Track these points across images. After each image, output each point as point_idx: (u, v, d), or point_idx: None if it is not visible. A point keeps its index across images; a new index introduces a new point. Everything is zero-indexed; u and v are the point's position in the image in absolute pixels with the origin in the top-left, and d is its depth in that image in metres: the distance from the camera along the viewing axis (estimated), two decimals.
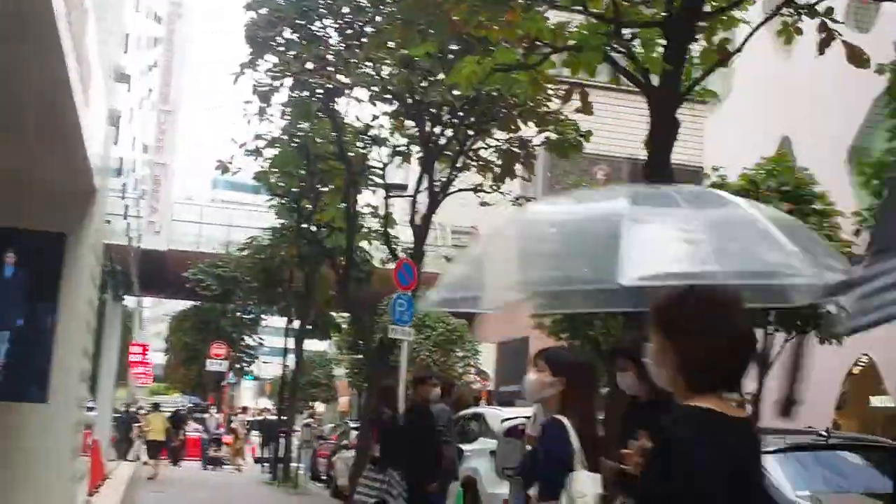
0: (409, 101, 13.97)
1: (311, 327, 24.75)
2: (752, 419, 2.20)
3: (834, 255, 3.22)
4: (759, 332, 13.79)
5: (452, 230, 30.48)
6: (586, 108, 8.23)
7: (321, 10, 14.04)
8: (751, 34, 6.32)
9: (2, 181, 6.54)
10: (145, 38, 18.32)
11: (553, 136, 14.39)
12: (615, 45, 6.60)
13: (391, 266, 14.28)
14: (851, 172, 16.48)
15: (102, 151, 8.13)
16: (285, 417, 24.26)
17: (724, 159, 15.72)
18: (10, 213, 6.83)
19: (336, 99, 14.83)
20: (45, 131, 5.61)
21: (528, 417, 6.39)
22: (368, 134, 16.15)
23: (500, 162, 14.98)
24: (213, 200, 51.71)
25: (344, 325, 28.21)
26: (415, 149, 15.82)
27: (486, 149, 15.39)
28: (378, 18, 13.28)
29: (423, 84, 13.67)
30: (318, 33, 14.33)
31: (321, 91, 14.47)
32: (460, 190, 15.70)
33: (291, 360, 24.26)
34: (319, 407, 39.26)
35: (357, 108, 15.81)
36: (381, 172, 16.56)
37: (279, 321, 29.03)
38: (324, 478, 22.54)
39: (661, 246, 2.75)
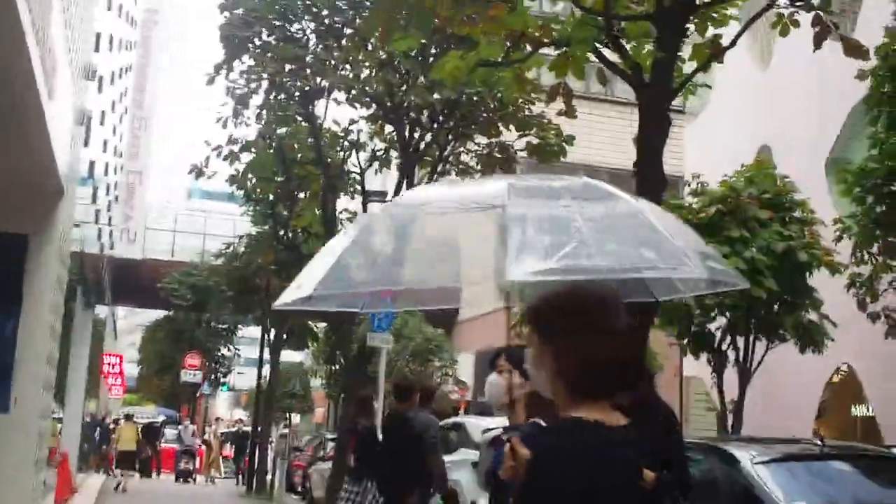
0: (389, 104, 13.74)
1: (287, 336, 24.42)
2: (637, 426, 2.00)
3: (711, 249, 3.16)
4: (741, 339, 13.74)
5: None
6: (570, 111, 8.01)
7: (299, 10, 13.78)
8: (746, 26, 6.17)
9: None
10: (118, 40, 17.93)
11: (535, 140, 14.23)
12: (605, 41, 6.41)
13: None
14: (831, 181, 16.47)
15: (70, 150, 7.83)
16: (261, 428, 23.89)
17: (704, 168, 15.66)
18: None
19: (315, 102, 14.57)
20: (3, 121, 5.32)
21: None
22: (347, 139, 15.89)
23: (480, 167, 14.82)
24: (188, 210, 51.20)
25: (320, 335, 27.91)
26: (394, 154, 15.59)
27: (466, 153, 15.20)
28: (358, 21, 13.05)
29: (403, 87, 13.46)
30: (295, 35, 14.06)
31: (299, 94, 14.22)
32: None
33: (267, 370, 23.92)
34: (296, 418, 38.91)
35: (335, 111, 15.56)
36: (359, 178, 16.31)
37: (255, 331, 28.66)
38: (299, 489, 22.20)
39: (545, 240, 2.61)
